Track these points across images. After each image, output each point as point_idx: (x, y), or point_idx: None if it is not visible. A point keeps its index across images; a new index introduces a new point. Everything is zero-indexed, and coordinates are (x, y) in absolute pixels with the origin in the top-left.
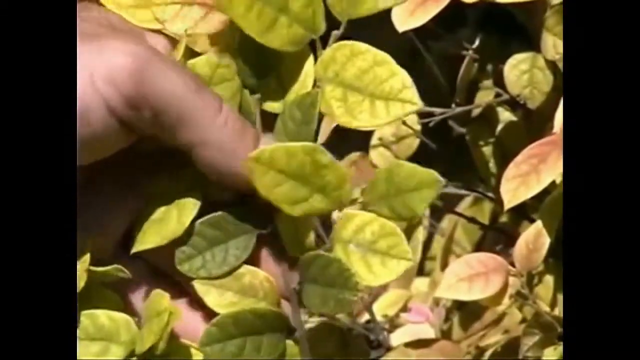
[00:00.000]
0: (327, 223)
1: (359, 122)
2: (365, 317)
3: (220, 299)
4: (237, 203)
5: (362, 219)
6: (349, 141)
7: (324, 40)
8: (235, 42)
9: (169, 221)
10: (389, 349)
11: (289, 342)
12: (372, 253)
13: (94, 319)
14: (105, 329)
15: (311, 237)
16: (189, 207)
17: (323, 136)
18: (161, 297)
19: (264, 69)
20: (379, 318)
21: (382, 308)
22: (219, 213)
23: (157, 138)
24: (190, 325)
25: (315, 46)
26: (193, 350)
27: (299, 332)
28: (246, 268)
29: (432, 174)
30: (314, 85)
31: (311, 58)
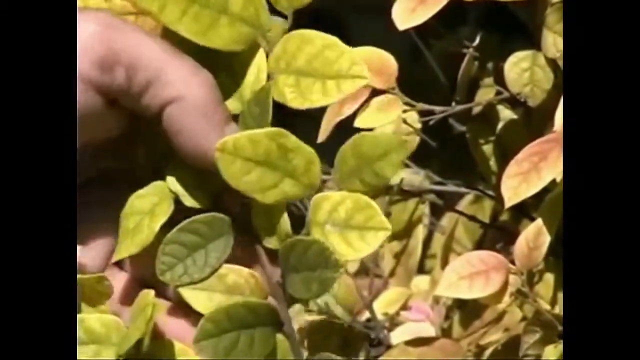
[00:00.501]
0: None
1: (312, 102)
2: (366, 315)
3: (208, 301)
4: (210, 208)
5: (335, 199)
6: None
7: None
8: (175, 43)
9: (142, 229)
10: (389, 347)
11: (280, 336)
12: (349, 229)
13: (84, 324)
14: (96, 333)
15: (287, 226)
16: (160, 213)
17: (323, 134)
18: (146, 294)
19: (212, 67)
20: (379, 316)
21: (382, 306)
22: (195, 217)
23: (134, 107)
24: (175, 330)
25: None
26: (178, 349)
27: (287, 326)
28: (228, 267)
29: (397, 137)
30: (268, 78)
31: (262, 53)
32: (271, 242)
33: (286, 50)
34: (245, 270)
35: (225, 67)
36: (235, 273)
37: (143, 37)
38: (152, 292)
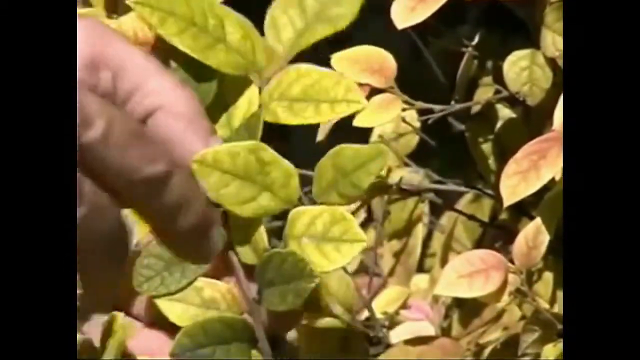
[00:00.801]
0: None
1: (304, 119)
2: (365, 314)
3: (183, 313)
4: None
5: (312, 213)
6: (348, 140)
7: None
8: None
9: None
10: (388, 346)
11: (255, 353)
12: (325, 242)
13: None
14: None
15: (264, 240)
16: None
17: (322, 134)
18: (115, 316)
19: (203, 78)
20: (378, 315)
21: (381, 305)
22: None
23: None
24: (150, 345)
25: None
26: None
27: (261, 342)
28: (205, 281)
29: (377, 147)
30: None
31: (254, 87)
32: (248, 257)
33: (281, 84)
34: (224, 285)
35: (215, 81)
36: (212, 288)
37: (128, 45)
38: (121, 314)
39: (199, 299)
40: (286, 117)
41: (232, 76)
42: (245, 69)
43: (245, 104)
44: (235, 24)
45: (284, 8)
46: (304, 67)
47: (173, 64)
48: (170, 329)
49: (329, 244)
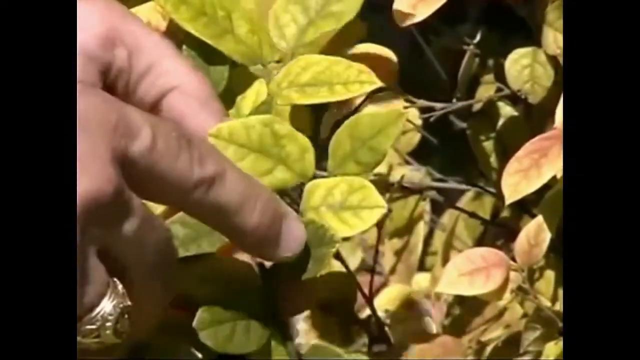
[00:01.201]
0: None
1: (318, 99)
2: (367, 312)
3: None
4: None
5: (329, 184)
6: None
7: None
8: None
9: None
10: (390, 344)
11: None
12: (344, 210)
13: None
14: None
15: None
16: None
17: (325, 129)
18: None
19: (215, 63)
20: (380, 313)
21: (383, 303)
22: None
23: (130, 95)
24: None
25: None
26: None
27: (282, 316)
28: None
29: (393, 112)
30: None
31: (261, 81)
32: None
33: (290, 73)
34: (240, 260)
35: (224, 65)
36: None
37: (143, 25)
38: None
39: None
40: (299, 97)
41: (240, 70)
42: (253, 60)
43: (254, 95)
44: (242, 18)
45: (286, 6)
46: (312, 56)
47: (185, 51)
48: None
49: (348, 211)
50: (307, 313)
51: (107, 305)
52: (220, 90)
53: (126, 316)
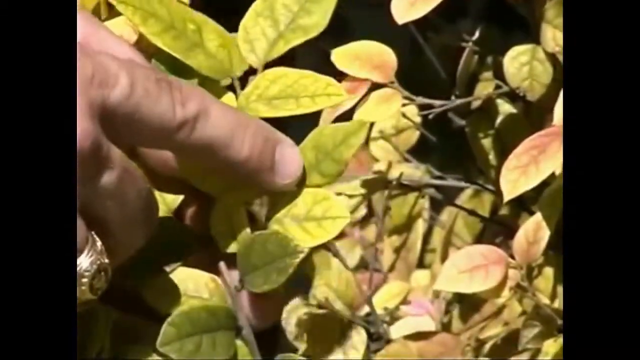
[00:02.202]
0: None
1: (285, 112)
2: (365, 309)
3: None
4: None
5: (293, 196)
6: None
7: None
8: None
9: None
10: (388, 341)
11: (239, 342)
12: (307, 221)
13: None
14: None
15: (246, 227)
16: None
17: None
18: (95, 305)
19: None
20: (379, 311)
21: (382, 301)
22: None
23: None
24: None
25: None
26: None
27: (245, 330)
28: (187, 272)
29: (356, 122)
30: None
31: (230, 95)
32: (230, 246)
33: (258, 86)
34: (206, 275)
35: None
36: (195, 277)
37: (115, 35)
38: (99, 303)
39: (182, 288)
40: (267, 111)
41: (209, 83)
42: (223, 73)
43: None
44: (212, 32)
45: (255, 19)
46: (280, 69)
47: (154, 64)
48: (148, 315)
49: (312, 222)
50: (298, 317)
51: (84, 262)
52: None
53: (102, 273)
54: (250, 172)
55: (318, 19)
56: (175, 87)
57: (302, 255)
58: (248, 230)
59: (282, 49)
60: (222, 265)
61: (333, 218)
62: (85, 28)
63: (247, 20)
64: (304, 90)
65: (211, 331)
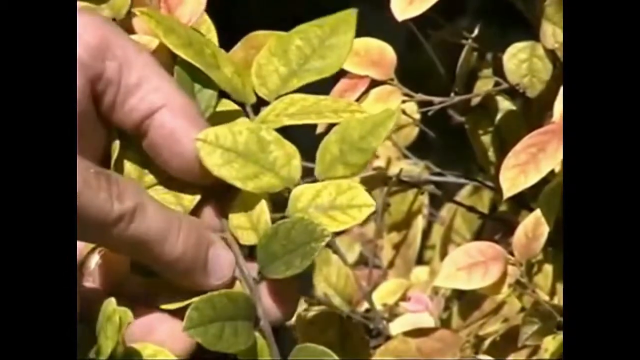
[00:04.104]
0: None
1: (309, 121)
2: (365, 305)
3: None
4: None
5: (316, 188)
6: None
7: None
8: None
9: None
10: (388, 337)
11: (257, 334)
12: (332, 209)
13: None
14: None
15: (267, 218)
16: None
17: (322, 125)
18: (109, 303)
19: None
20: (378, 307)
21: (381, 297)
22: None
23: (117, 112)
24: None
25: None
26: (149, 352)
27: (263, 322)
28: None
29: (384, 112)
30: None
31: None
32: (249, 238)
33: (275, 109)
34: None
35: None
36: None
37: (134, 42)
38: (114, 299)
39: None
40: (289, 120)
41: (223, 111)
42: (238, 96)
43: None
44: (226, 60)
45: (268, 58)
46: (298, 95)
47: (177, 71)
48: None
49: (337, 210)
50: (298, 312)
51: None
52: (207, 115)
53: None
54: (183, 271)
55: (332, 62)
56: (112, 182)
57: (327, 239)
58: (269, 221)
59: (295, 85)
60: (239, 256)
61: (359, 206)
62: (105, 33)
63: (261, 57)
64: (326, 108)
65: (232, 319)
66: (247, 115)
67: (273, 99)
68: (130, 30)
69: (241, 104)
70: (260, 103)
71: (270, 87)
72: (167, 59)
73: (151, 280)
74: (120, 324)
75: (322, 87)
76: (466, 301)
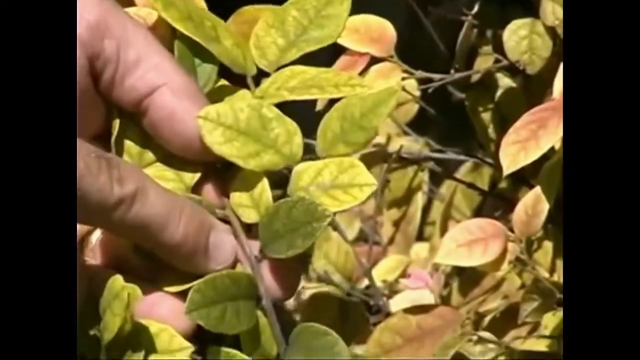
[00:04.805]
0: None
1: (310, 96)
2: (365, 282)
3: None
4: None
5: (317, 166)
6: None
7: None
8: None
9: None
10: (388, 314)
11: (258, 312)
12: (334, 188)
13: None
14: None
15: (268, 196)
16: None
17: (321, 102)
18: (116, 279)
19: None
20: (378, 284)
21: (381, 274)
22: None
23: (115, 90)
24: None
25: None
26: (156, 329)
27: (265, 300)
28: None
29: (386, 90)
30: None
31: (246, 91)
32: (250, 216)
33: (276, 81)
34: None
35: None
36: None
37: (133, 19)
38: (120, 277)
39: None
40: (290, 95)
41: (222, 86)
42: (239, 67)
43: (239, 101)
44: (226, 31)
45: (266, 30)
46: (298, 67)
47: (176, 46)
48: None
49: (338, 189)
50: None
51: None
52: (207, 90)
53: None
54: (184, 255)
55: (330, 31)
56: (113, 165)
57: (329, 219)
58: (270, 199)
59: (294, 55)
60: (241, 235)
61: (360, 185)
62: (103, 11)
63: (259, 29)
64: (327, 81)
65: (234, 299)
66: (249, 87)
67: (273, 70)
68: (130, 2)
69: (242, 77)
70: (261, 75)
71: (270, 58)
72: (167, 33)
73: (153, 261)
74: (128, 300)
75: (322, 65)
76: (466, 278)
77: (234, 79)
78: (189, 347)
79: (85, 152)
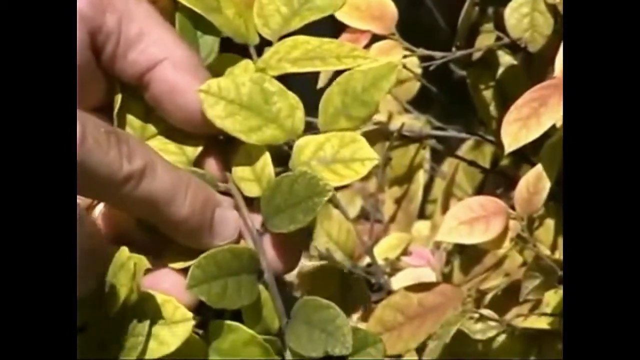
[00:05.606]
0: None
1: (312, 68)
2: (366, 260)
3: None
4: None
5: (319, 140)
6: None
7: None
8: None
9: None
10: (389, 292)
11: (261, 286)
12: (335, 163)
13: None
14: None
15: (270, 170)
16: None
17: (323, 80)
18: (123, 250)
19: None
20: (379, 261)
21: (383, 251)
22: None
23: (117, 63)
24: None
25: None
26: (161, 300)
27: (267, 274)
28: None
29: (386, 65)
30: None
31: (248, 61)
32: (252, 190)
33: (278, 52)
34: None
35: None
36: None
37: None
38: (125, 248)
39: None
40: (292, 68)
41: (224, 55)
42: (241, 38)
43: (241, 73)
44: (228, 1)
45: None
46: (300, 37)
47: (178, 18)
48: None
49: (339, 164)
50: (299, 267)
51: None
52: (209, 61)
53: None
54: (189, 231)
55: (333, 0)
56: (122, 141)
57: (330, 194)
58: (272, 173)
59: (297, 24)
60: (243, 208)
61: (362, 160)
62: None
63: None
64: (329, 52)
65: (236, 274)
66: (251, 57)
67: (276, 39)
68: None
69: (244, 46)
70: (263, 44)
71: (273, 27)
72: (168, 5)
73: (156, 236)
74: (134, 270)
75: None
76: (468, 256)
77: (236, 48)
78: (192, 319)
79: (94, 127)
